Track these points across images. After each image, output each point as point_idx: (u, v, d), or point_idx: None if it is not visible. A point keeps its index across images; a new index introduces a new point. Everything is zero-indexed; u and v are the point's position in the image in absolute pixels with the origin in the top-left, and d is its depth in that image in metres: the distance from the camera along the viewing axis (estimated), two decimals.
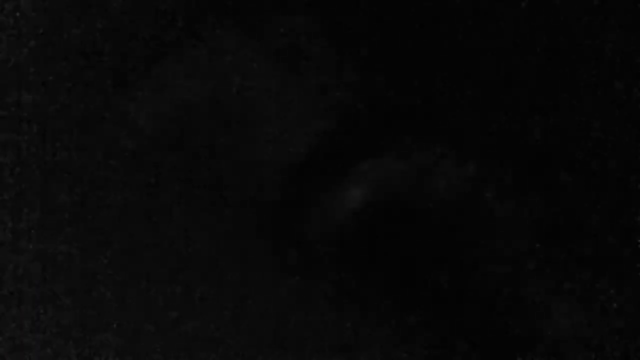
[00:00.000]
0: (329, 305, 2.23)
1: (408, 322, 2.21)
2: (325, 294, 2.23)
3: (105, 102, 2.31)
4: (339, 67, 2.24)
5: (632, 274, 2.19)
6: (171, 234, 2.29)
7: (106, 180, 2.31)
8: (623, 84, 2.20)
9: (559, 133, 2.22)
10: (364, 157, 2.24)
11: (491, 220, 2.25)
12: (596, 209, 2.21)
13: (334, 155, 2.25)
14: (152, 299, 2.29)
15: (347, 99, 2.23)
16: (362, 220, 2.22)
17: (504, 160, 2.24)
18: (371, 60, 2.25)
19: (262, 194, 2.24)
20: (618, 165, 2.21)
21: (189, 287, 2.28)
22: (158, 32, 2.31)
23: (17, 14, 2.30)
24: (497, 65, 2.25)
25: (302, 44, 2.22)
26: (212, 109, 2.28)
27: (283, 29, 2.23)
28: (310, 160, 2.24)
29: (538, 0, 2.22)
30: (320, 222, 2.23)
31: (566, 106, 2.22)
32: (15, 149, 2.30)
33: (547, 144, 2.23)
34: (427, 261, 2.23)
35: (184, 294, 2.29)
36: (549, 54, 2.23)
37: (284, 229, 2.25)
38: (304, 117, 2.25)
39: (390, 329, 2.21)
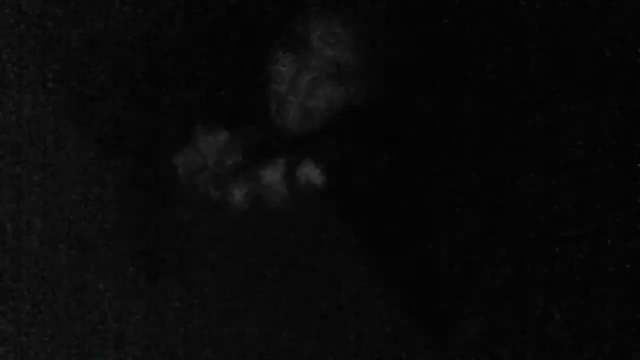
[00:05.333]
0: None
1: None
2: None
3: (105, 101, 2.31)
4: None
5: (632, 274, 2.19)
6: (172, 236, 2.29)
7: (106, 180, 2.31)
8: (623, 84, 2.20)
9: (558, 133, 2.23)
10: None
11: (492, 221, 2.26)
12: (595, 207, 2.21)
13: None
14: (153, 299, 2.29)
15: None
16: None
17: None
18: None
19: None
20: (618, 165, 2.21)
21: (191, 287, 2.29)
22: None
23: (18, 14, 2.30)
24: (498, 64, 2.26)
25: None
26: None
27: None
28: None
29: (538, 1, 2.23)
30: None
31: (566, 106, 2.23)
32: (16, 148, 2.30)
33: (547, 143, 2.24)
34: None
35: (186, 294, 2.29)
36: (549, 54, 2.23)
37: None
38: None
39: None
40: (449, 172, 2.27)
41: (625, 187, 2.21)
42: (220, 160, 2.22)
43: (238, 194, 2.23)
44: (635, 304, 2.19)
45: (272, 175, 2.23)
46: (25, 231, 2.29)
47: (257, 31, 2.23)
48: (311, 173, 2.21)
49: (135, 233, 2.29)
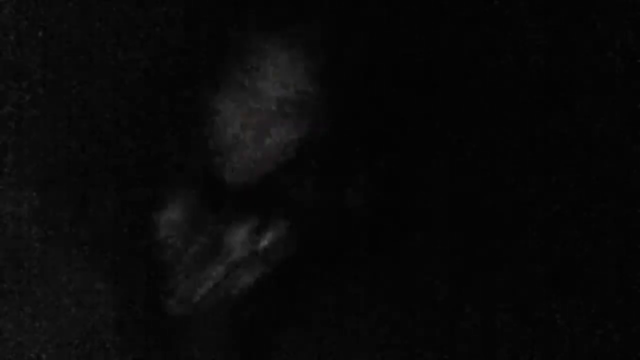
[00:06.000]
0: None
1: None
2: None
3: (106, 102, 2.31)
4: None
5: (632, 274, 2.19)
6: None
7: (106, 180, 2.31)
8: (623, 84, 2.20)
9: (559, 133, 2.23)
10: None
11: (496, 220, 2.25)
12: (595, 207, 2.21)
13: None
14: (153, 298, 2.30)
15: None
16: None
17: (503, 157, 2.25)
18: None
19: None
20: (618, 165, 2.20)
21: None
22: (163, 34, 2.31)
23: (18, 14, 2.31)
24: (498, 64, 2.25)
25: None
26: None
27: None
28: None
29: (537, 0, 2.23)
30: None
31: (566, 106, 2.23)
32: (16, 148, 2.31)
33: (548, 144, 2.24)
34: None
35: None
36: (549, 55, 2.23)
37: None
38: None
39: None
40: (448, 172, 2.27)
41: (626, 187, 2.21)
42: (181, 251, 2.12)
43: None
44: (636, 304, 2.19)
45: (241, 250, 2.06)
46: (25, 231, 2.30)
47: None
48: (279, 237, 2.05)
49: (135, 232, 2.30)
